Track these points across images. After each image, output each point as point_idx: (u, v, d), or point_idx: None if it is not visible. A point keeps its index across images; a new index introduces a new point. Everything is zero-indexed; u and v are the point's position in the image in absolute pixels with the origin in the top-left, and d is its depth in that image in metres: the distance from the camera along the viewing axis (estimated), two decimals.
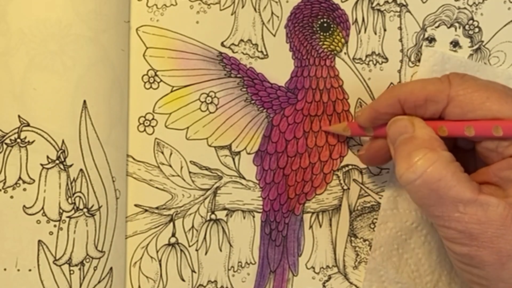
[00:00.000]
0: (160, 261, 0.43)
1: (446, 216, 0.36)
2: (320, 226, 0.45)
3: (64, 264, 0.40)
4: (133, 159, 0.42)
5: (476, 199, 0.35)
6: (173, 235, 0.43)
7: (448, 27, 0.45)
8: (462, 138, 0.39)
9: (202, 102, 0.43)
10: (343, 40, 0.44)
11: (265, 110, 0.44)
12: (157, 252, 0.43)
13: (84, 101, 0.40)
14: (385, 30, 0.45)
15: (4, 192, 0.39)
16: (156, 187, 0.43)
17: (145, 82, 0.42)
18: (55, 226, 0.39)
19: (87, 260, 0.40)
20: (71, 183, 0.40)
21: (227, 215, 0.44)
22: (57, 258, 0.39)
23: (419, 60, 0.45)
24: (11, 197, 0.39)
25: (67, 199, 0.40)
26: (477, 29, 0.45)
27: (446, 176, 0.35)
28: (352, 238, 0.46)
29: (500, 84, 0.39)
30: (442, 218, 0.36)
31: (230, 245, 0.44)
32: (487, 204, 0.35)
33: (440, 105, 0.38)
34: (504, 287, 0.35)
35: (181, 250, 0.43)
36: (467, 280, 0.38)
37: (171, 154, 0.43)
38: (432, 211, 0.36)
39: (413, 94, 0.38)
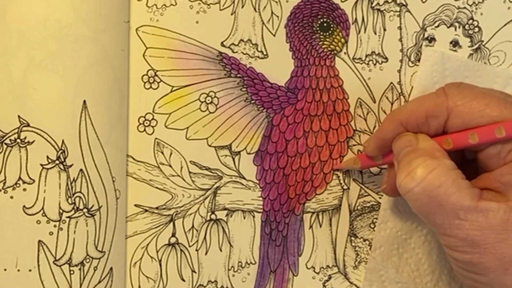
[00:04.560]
0: (160, 261, 0.43)
1: (447, 223, 0.35)
2: (320, 226, 0.45)
3: (64, 264, 0.40)
4: (133, 159, 0.42)
5: (476, 205, 0.35)
6: (173, 235, 0.43)
7: (448, 27, 0.45)
8: (466, 149, 0.38)
9: (202, 102, 0.43)
10: (343, 40, 0.44)
11: (265, 110, 0.44)
12: (157, 252, 0.43)
13: (84, 101, 0.40)
14: (385, 30, 0.45)
15: (4, 192, 0.39)
16: (156, 187, 0.43)
17: (145, 82, 0.42)
18: (55, 226, 0.39)
19: (87, 260, 0.40)
20: (71, 183, 0.40)
21: (227, 215, 0.44)
22: (57, 258, 0.39)
23: (419, 60, 0.45)
24: (11, 197, 0.39)
25: (67, 199, 0.40)
26: (477, 29, 0.45)
27: (445, 183, 0.35)
28: (352, 238, 0.46)
29: (497, 90, 0.39)
30: (443, 226, 0.35)
31: (230, 245, 0.44)
32: (487, 209, 0.34)
33: (441, 119, 0.38)
34: None
35: (181, 250, 0.43)
36: (469, 287, 0.37)
37: (171, 154, 0.43)
38: (432, 219, 0.36)
39: (413, 114, 0.38)
